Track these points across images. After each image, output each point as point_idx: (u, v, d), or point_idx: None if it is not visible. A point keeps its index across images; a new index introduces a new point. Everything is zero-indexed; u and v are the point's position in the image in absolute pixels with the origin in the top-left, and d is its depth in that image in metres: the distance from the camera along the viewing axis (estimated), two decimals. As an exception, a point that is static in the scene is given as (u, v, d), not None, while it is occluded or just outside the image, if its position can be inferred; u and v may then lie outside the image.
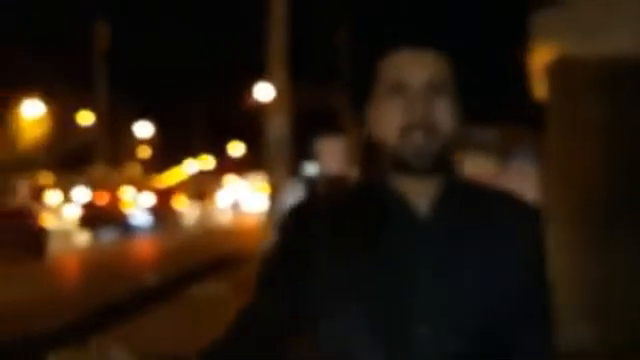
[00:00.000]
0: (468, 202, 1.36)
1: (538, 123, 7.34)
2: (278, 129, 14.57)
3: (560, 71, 6.58)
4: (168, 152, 54.18)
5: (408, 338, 1.28)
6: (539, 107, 7.25)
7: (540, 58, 7.88)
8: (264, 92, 17.41)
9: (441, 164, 1.33)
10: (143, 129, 51.75)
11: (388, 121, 1.32)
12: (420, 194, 1.34)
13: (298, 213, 1.41)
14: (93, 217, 19.80)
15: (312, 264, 1.35)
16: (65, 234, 18.93)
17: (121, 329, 8.32)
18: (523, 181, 8.21)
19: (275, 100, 14.85)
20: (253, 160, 54.92)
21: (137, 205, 24.32)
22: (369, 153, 1.39)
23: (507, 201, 1.40)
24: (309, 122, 21.77)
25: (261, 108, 17.24)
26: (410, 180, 1.33)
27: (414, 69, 1.32)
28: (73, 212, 19.34)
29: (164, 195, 27.77)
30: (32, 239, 15.63)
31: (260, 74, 18.78)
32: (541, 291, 1.39)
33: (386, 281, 1.30)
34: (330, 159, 19.63)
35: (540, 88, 7.20)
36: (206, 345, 1.41)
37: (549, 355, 1.39)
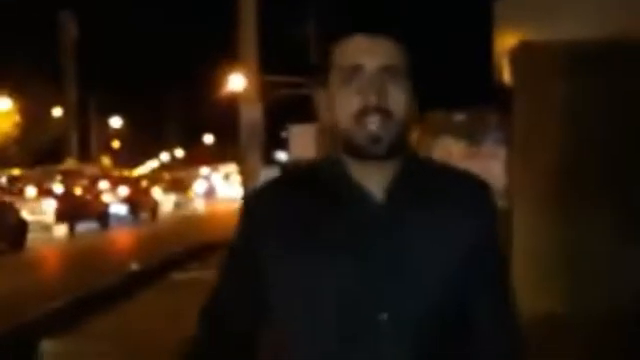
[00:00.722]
0: (422, 183, 1.36)
1: (505, 106, 7.63)
2: (251, 117, 14.79)
3: (522, 56, 6.80)
4: (139, 144, 53.92)
5: (366, 326, 1.28)
6: (506, 90, 7.54)
7: (504, 43, 8.17)
8: (238, 82, 17.59)
9: (395, 150, 1.33)
10: (114, 122, 51.49)
11: (343, 106, 1.31)
12: (375, 179, 1.34)
13: (256, 199, 1.41)
14: (71, 209, 19.66)
15: (268, 253, 1.34)
16: (43, 226, 18.85)
17: (108, 314, 8.50)
18: (492, 163, 8.49)
19: (247, 89, 15.06)
20: (223, 151, 54.96)
21: (114, 196, 24.30)
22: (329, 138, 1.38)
23: (459, 178, 1.41)
24: (281, 111, 22.02)
25: (235, 98, 17.41)
26: (365, 165, 1.33)
27: (369, 54, 1.31)
28: (50, 205, 19.33)
29: (139, 185, 27.71)
30: (12, 231, 15.57)
31: (233, 65, 18.95)
32: (494, 262, 1.40)
33: (341, 269, 1.29)
34: (300, 145, 19.81)
35: (505, 72, 7.50)
36: (188, 348, 1.43)
37: (508, 324, 1.40)
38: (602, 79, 6.18)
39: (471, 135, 9.59)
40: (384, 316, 1.28)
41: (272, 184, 1.44)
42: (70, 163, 31.47)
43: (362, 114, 1.30)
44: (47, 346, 7.02)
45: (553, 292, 5.71)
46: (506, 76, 7.41)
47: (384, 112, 1.30)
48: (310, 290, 1.30)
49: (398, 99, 1.31)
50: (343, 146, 1.33)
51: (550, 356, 4.63)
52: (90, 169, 27.80)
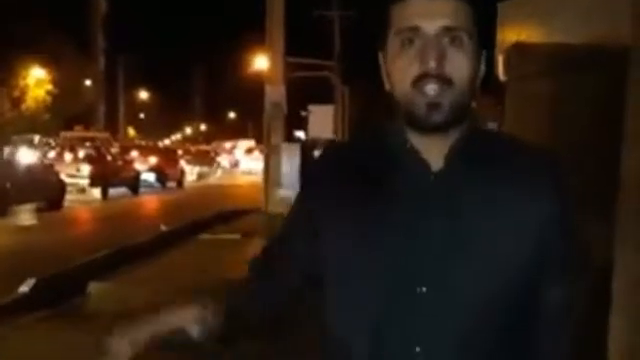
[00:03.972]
0: (484, 153, 1.26)
1: (500, 99, 8.41)
2: (275, 98, 15.65)
3: (515, 55, 7.66)
4: (165, 117, 54.89)
5: (404, 298, 1.20)
6: (501, 85, 8.38)
7: (505, 41, 9.01)
8: (263, 63, 18.41)
9: (455, 120, 1.22)
10: (141, 94, 52.48)
11: (401, 72, 1.22)
12: (435, 150, 1.25)
13: (317, 163, 1.38)
14: (103, 175, 20.49)
15: (322, 213, 1.30)
16: (78, 189, 19.87)
17: (144, 265, 9.29)
18: None
19: (272, 70, 15.85)
20: (244, 127, 55.92)
21: (143, 163, 25.32)
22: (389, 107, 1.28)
23: (527, 151, 1.29)
24: (301, 91, 23.01)
25: (258, 77, 18.11)
26: (425, 136, 1.24)
27: (428, 15, 1.20)
28: (85, 169, 20.46)
29: (167, 154, 28.59)
30: (53, 192, 16.44)
31: (259, 45, 19.79)
32: (566, 242, 1.27)
33: (388, 237, 1.22)
34: (318, 125, 20.75)
35: (501, 68, 8.35)
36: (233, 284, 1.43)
37: (575, 307, 1.29)
38: (583, 79, 6.98)
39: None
40: (423, 289, 1.19)
41: (333, 149, 1.43)
42: (78, 130, 32.94)
43: (420, 80, 1.20)
44: (94, 287, 7.69)
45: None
46: (502, 72, 8.29)
47: (444, 79, 1.19)
48: (357, 252, 1.24)
49: (459, 65, 1.21)
50: (403, 115, 1.24)
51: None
52: (121, 137, 28.84)
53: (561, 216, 1.26)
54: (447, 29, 1.20)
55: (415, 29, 1.21)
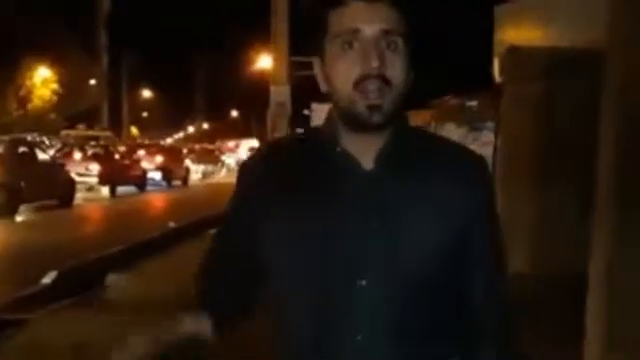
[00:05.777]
0: (413, 152, 1.32)
1: (497, 100, 8.65)
2: (280, 98, 15.91)
3: (510, 58, 7.94)
4: (167, 115, 55.06)
5: (345, 291, 1.26)
6: (498, 86, 8.64)
7: (502, 43, 9.28)
8: (267, 62, 18.63)
9: (392, 120, 1.28)
10: (143, 93, 52.68)
11: (342, 73, 1.26)
12: (368, 148, 1.30)
13: (250, 162, 1.40)
14: (112, 173, 20.86)
15: (259, 211, 1.33)
16: (87, 187, 20.27)
17: (158, 257, 9.73)
18: (486, 149, 8.39)
19: (277, 70, 16.07)
20: (247, 126, 56.08)
21: (150, 162, 25.72)
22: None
23: (452, 149, 1.37)
24: (304, 90, 23.21)
25: (261, 76, 18.23)
26: (359, 135, 1.29)
27: (368, 18, 1.25)
28: (94, 168, 20.85)
29: (173, 153, 29.00)
30: (63, 190, 16.80)
31: (263, 45, 19.96)
32: (490, 234, 1.35)
33: (325, 233, 1.27)
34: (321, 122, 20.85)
35: (497, 70, 8.65)
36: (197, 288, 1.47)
37: (499, 297, 1.36)
38: (573, 81, 7.02)
39: (471, 122, 10.67)
40: (362, 282, 1.26)
41: (267, 148, 1.46)
42: (80, 129, 33.37)
43: (362, 81, 1.25)
44: (112, 279, 8.10)
45: (521, 254, 6.56)
46: (498, 74, 8.61)
47: (384, 80, 1.25)
48: (295, 251, 1.29)
49: (397, 67, 1.26)
50: (341, 115, 1.30)
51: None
52: (126, 136, 29.06)
53: (485, 205, 1.35)
54: (385, 32, 1.26)
55: (355, 32, 1.25)
